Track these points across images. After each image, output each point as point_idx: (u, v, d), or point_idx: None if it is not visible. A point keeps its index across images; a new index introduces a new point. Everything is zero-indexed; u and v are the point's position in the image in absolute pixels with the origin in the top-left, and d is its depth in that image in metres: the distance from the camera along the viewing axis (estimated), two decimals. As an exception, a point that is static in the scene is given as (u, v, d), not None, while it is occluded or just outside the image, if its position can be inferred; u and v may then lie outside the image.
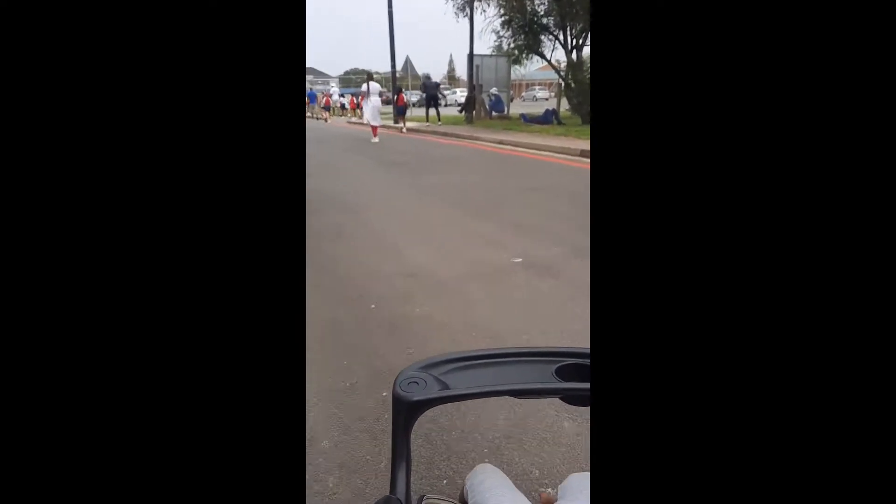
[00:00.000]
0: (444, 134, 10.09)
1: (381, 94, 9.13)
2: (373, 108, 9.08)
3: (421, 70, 13.26)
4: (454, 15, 12.20)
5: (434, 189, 4.52)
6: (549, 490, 0.92)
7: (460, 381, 0.40)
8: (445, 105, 14.59)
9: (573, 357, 0.41)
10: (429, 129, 11.15)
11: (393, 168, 5.94)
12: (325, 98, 20.94)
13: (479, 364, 0.42)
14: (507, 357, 0.43)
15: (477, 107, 12.07)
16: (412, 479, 0.40)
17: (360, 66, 63.44)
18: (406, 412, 0.38)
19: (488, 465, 0.63)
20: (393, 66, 13.16)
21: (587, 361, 0.41)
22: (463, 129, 10.25)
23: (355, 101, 12.23)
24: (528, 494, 0.59)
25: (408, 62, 13.87)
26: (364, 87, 9.31)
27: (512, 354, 0.43)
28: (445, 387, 0.39)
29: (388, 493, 0.37)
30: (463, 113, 12.74)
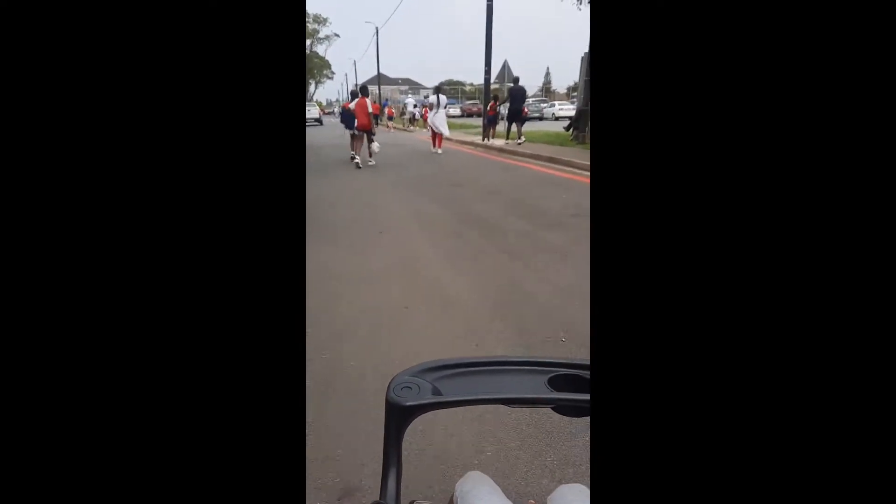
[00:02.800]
0: (550, 160, 7.41)
1: (446, 107, 9.41)
2: (440, 119, 9.15)
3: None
4: (576, 4, 9.50)
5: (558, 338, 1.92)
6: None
7: (453, 388, 0.40)
8: (533, 118, 12.22)
9: (566, 368, 0.41)
10: (522, 149, 8.51)
11: (471, 230, 3.42)
12: (388, 110, 23.04)
13: (473, 371, 0.42)
14: (500, 365, 0.42)
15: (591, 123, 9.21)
16: (402, 484, 0.39)
17: (457, 77, 62.75)
18: (398, 417, 0.38)
19: (478, 472, 0.60)
20: (487, 70, 10.60)
21: (580, 372, 0.41)
22: (574, 154, 7.49)
23: (429, 113, 11.44)
24: None
25: (506, 67, 10.94)
26: (432, 98, 9.18)
27: (505, 363, 0.43)
28: (438, 393, 0.39)
29: (377, 499, 0.37)
30: (571, 130, 9.97)
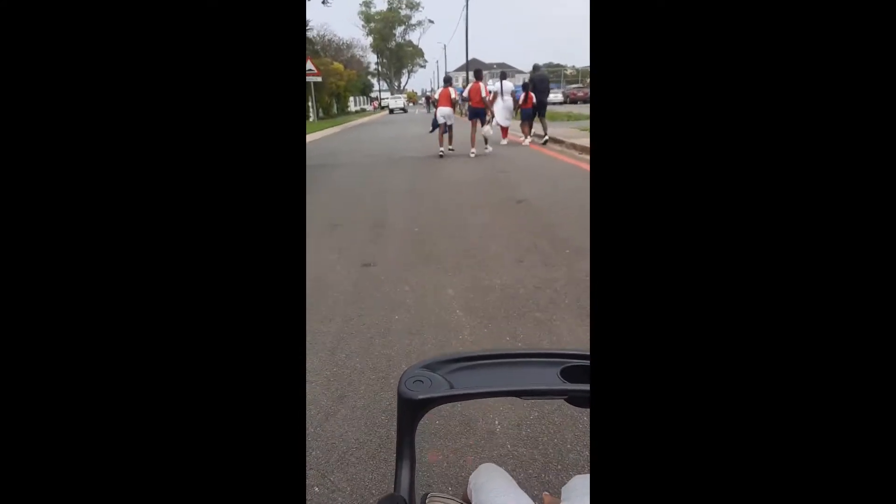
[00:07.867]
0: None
1: (513, 94, 7.95)
2: (504, 108, 7.95)
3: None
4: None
5: None
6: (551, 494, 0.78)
7: (465, 381, 0.40)
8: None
9: (579, 359, 0.41)
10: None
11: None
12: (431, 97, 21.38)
13: (485, 364, 0.42)
14: (512, 357, 0.43)
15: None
16: (416, 476, 0.40)
17: (556, 61, 57.56)
18: (411, 411, 0.39)
19: (492, 464, 0.61)
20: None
21: None
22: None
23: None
24: (531, 495, 0.54)
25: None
26: (497, 85, 7.88)
27: (517, 355, 0.43)
28: (450, 386, 0.39)
29: (391, 492, 0.37)
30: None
